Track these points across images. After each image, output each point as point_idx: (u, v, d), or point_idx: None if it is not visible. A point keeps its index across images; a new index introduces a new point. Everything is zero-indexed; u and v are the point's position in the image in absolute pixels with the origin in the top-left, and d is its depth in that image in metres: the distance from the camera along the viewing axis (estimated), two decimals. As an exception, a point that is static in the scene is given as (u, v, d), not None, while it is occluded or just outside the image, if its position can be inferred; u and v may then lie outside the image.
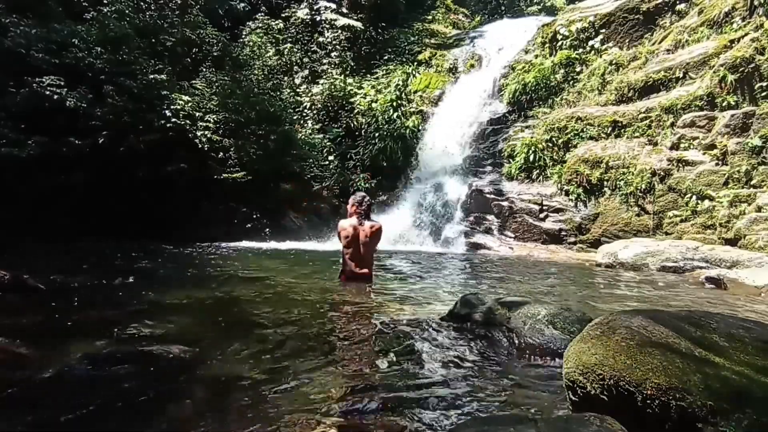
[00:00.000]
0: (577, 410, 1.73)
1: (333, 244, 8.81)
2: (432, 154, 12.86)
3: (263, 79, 13.08)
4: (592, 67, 12.23)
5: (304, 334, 3.06)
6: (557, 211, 10.16)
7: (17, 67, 8.07)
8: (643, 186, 9.21)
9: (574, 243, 9.81)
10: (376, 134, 12.86)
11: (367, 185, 12.07)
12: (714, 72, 9.36)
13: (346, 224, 4.67)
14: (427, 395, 2.16)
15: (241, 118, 10.32)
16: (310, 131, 13.37)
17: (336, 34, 16.45)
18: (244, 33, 15.85)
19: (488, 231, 10.60)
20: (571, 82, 12.45)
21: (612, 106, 10.90)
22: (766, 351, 1.60)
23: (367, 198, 4.81)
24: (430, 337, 3.06)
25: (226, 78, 10.91)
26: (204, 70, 11.18)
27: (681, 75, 10.18)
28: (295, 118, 13.02)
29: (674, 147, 9.36)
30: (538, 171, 10.94)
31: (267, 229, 10.20)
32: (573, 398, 1.76)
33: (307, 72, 15.77)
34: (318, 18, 16.70)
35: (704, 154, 8.93)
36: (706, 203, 8.54)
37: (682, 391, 1.44)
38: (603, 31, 12.74)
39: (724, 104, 9.08)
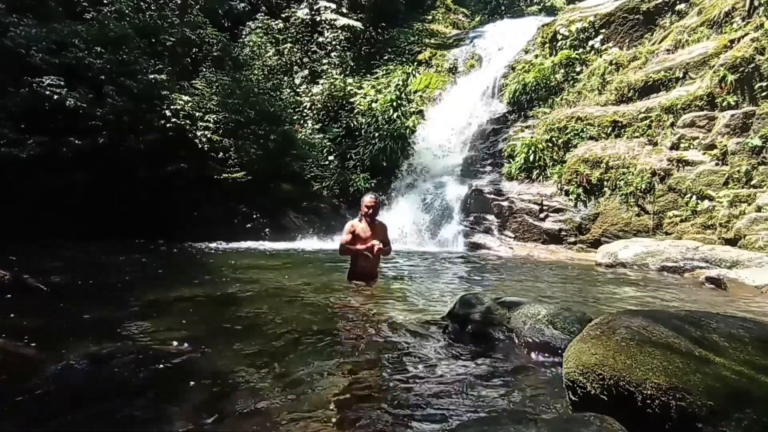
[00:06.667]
0: (577, 410, 1.73)
1: (333, 244, 8.81)
2: (432, 154, 12.86)
3: (263, 79, 13.08)
4: (592, 67, 12.23)
5: (304, 334, 3.06)
6: (557, 211, 10.16)
7: (17, 67, 8.06)
8: (643, 186, 9.21)
9: (574, 243, 9.80)
10: (376, 134, 12.86)
11: (366, 185, 12.06)
12: (714, 72, 9.36)
13: None
14: (427, 395, 2.16)
15: (241, 118, 10.31)
16: (310, 131, 13.37)
17: (336, 34, 16.45)
18: (244, 33, 15.86)
19: (488, 231, 10.59)
20: (571, 82, 12.45)
21: (612, 106, 10.89)
22: (766, 351, 1.60)
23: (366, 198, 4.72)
24: (430, 338, 3.06)
25: (226, 78, 10.91)
26: (204, 70, 11.18)
27: (681, 75, 10.17)
28: (295, 118, 13.02)
29: (674, 147, 9.36)
30: (538, 171, 10.94)
31: (267, 229, 10.19)
32: (573, 398, 1.76)
33: (307, 72, 15.77)
34: (318, 18, 16.70)
35: (704, 154, 8.93)
36: (706, 203, 8.54)
37: (682, 391, 1.44)
38: (603, 31, 12.73)
39: (724, 104, 9.08)
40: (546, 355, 2.68)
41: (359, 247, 4.58)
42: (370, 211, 4.57)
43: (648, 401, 1.49)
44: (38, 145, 7.72)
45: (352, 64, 16.09)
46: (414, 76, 14.89)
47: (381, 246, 4.55)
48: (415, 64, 15.76)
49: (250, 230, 9.92)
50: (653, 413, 1.48)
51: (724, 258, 7.04)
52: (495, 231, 10.55)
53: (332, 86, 14.33)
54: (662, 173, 9.11)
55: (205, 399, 2.05)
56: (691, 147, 9.16)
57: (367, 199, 4.62)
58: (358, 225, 4.62)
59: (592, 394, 1.64)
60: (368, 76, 15.65)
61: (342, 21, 16.31)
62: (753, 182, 8.33)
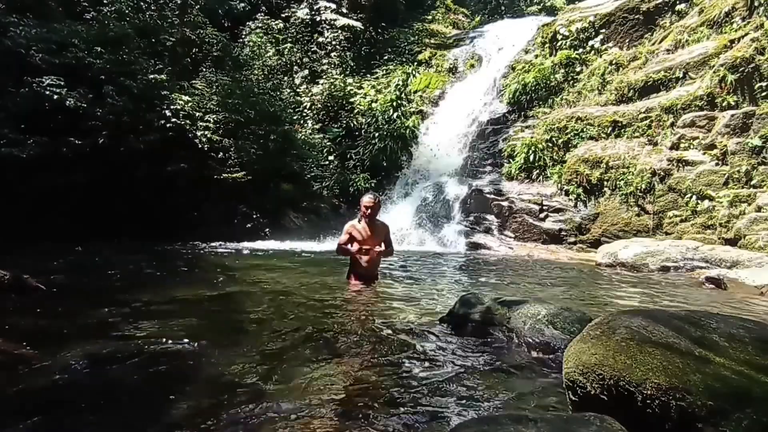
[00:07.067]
0: (577, 410, 1.73)
1: (332, 244, 8.81)
2: (432, 154, 12.86)
3: (263, 79, 13.08)
4: (592, 67, 12.23)
5: (304, 334, 3.06)
6: (557, 211, 10.16)
7: (17, 67, 8.06)
8: (643, 186, 9.21)
9: (574, 243, 9.80)
10: (376, 134, 12.86)
11: (366, 185, 12.06)
12: (714, 72, 9.36)
13: None
14: (427, 395, 2.16)
15: (241, 118, 10.30)
16: (310, 131, 13.36)
17: (336, 34, 16.45)
18: (244, 33, 15.85)
19: (488, 231, 10.59)
20: (571, 82, 12.45)
21: (612, 106, 10.90)
22: (766, 351, 1.60)
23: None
24: (430, 338, 3.06)
25: (226, 78, 10.90)
26: (204, 70, 11.17)
27: (681, 75, 10.17)
28: (295, 118, 13.01)
29: (674, 147, 9.36)
30: (538, 171, 10.94)
31: (267, 229, 10.18)
32: (573, 398, 1.76)
33: (307, 72, 15.76)
34: (318, 18, 16.69)
35: (704, 154, 8.93)
36: (706, 203, 8.54)
37: (682, 391, 1.44)
38: (603, 31, 12.74)
39: (724, 104, 9.08)
40: (546, 354, 2.68)
41: (353, 248, 4.54)
42: (369, 211, 4.51)
43: (648, 401, 1.49)
44: (38, 145, 7.71)
45: (352, 64, 16.09)
46: (414, 76, 14.89)
47: (377, 250, 4.52)
48: (415, 64, 15.76)
49: (250, 230, 9.91)
50: (653, 413, 1.48)
51: (724, 258, 7.04)
52: (495, 231, 10.54)
53: (332, 86, 14.33)
54: (662, 173, 9.11)
55: (205, 399, 2.05)
56: (691, 147, 9.16)
57: (366, 199, 4.56)
58: (357, 226, 4.59)
59: (592, 394, 1.64)
60: (368, 76, 15.64)
61: (342, 21, 16.31)
62: (753, 182, 8.33)
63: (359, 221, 4.60)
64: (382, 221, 4.77)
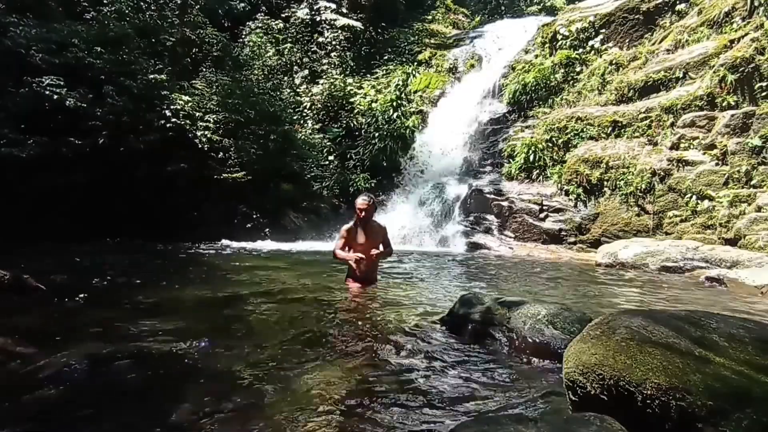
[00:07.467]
0: (577, 410, 1.73)
1: (332, 245, 8.80)
2: (432, 154, 12.86)
3: (263, 79, 13.09)
4: (592, 67, 12.23)
5: (304, 334, 3.06)
6: (557, 211, 10.16)
7: (17, 67, 8.06)
8: (643, 186, 9.21)
9: (574, 243, 9.80)
10: (376, 134, 12.86)
11: (366, 185, 12.06)
12: (714, 72, 9.36)
13: None
14: (427, 395, 2.16)
15: (241, 118, 10.31)
16: (310, 131, 13.37)
17: (336, 34, 16.46)
18: (244, 33, 15.86)
19: (488, 231, 10.59)
20: (571, 82, 12.45)
21: (612, 106, 10.89)
22: (766, 351, 1.60)
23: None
24: (430, 338, 3.06)
25: (226, 78, 10.91)
26: (204, 70, 11.18)
27: (681, 75, 10.17)
28: (295, 118, 13.02)
29: (674, 147, 9.36)
30: (538, 171, 10.94)
31: (267, 229, 10.19)
32: (573, 398, 1.76)
33: (307, 72, 15.77)
34: (318, 18, 16.70)
35: (704, 154, 8.93)
36: (706, 203, 8.54)
37: (682, 391, 1.44)
38: (603, 31, 12.73)
39: (724, 104, 9.08)
40: (546, 355, 2.68)
41: (347, 256, 4.45)
42: (363, 213, 4.38)
43: (648, 401, 1.48)
44: (38, 145, 7.71)
45: (352, 64, 16.09)
46: (414, 76, 14.89)
47: (374, 252, 4.43)
48: (415, 64, 15.76)
49: (249, 230, 9.91)
50: (653, 413, 1.47)
51: (724, 258, 7.04)
52: (495, 231, 10.55)
53: (332, 86, 14.34)
54: (662, 173, 9.11)
55: (205, 399, 2.05)
56: (691, 147, 9.16)
57: (360, 201, 4.42)
58: (352, 229, 4.49)
59: (592, 394, 1.64)
60: (368, 76, 15.65)
61: (342, 21, 16.31)
62: (753, 182, 8.33)
63: (354, 224, 4.50)
64: (378, 223, 4.66)
